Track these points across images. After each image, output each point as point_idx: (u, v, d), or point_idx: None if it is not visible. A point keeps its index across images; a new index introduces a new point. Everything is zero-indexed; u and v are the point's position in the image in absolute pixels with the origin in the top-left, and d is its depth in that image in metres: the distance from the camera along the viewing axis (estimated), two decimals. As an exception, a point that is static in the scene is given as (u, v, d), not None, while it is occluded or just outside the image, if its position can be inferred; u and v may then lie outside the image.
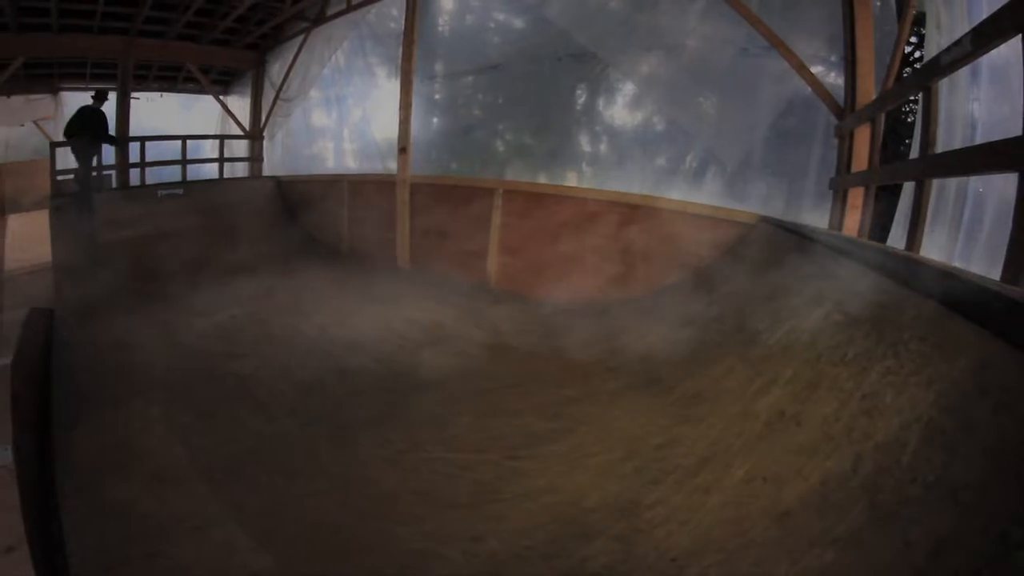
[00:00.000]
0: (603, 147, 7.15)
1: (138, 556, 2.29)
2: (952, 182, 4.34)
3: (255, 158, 11.03)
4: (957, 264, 4.48)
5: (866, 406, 1.79)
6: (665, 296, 5.30)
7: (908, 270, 2.15)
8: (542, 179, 7.29)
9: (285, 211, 9.89)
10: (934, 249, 4.49)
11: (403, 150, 7.87)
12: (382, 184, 8.23)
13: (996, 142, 2.58)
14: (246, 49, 10.75)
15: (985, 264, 4.04)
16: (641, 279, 5.98)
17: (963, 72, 4.53)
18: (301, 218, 9.69)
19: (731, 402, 2.68)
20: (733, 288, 4.18)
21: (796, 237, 3.73)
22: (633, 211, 6.16)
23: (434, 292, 6.67)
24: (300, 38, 10.02)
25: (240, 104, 11.55)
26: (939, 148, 4.60)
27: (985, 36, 2.69)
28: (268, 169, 11.03)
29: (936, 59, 3.29)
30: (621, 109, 7.02)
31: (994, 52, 4.33)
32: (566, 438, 3.00)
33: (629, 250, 6.12)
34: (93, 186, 8.24)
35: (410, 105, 7.88)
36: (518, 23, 7.61)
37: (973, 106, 4.50)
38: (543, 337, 5.01)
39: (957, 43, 2.97)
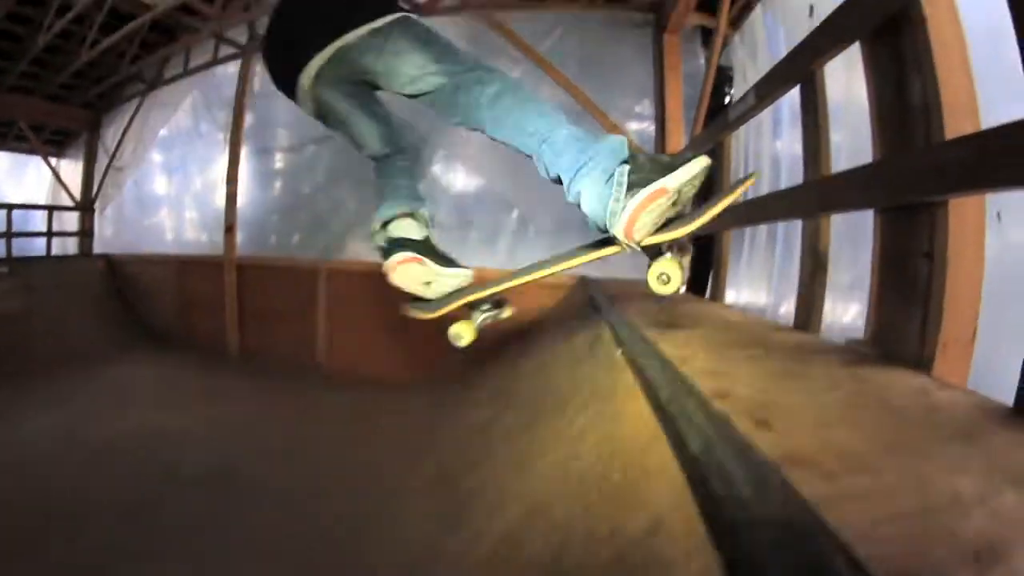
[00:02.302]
0: (438, 204, 6.87)
1: None
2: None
3: (85, 232, 9.80)
4: (771, 298, 4.60)
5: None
6: (485, 369, 5.09)
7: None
8: None
9: (115, 293, 8.84)
10: (749, 289, 4.59)
11: (229, 229, 7.19)
12: (210, 265, 7.48)
13: (781, 191, 2.56)
14: (82, 108, 9.65)
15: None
16: (467, 353, 5.70)
17: (767, 117, 4.71)
18: (132, 301, 8.71)
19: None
20: (545, 359, 3.97)
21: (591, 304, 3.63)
22: None
23: (265, 382, 6.10)
24: (136, 101, 9.16)
25: (73, 169, 10.28)
26: (747, 193, 4.74)
27: (767, 88, 2.77)
28: (99, 245, 9.80)
29: (725, 115, 3.33)
30: (448, 178, 6.89)
31: (795, 97, 4.58)
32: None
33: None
34: None
35: (236, 179, 7.30)
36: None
37: (777, 144, 4.67)
38: (376, 424, 4.68)
39: (742, 99, 3.02)
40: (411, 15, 2.10)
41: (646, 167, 1.70)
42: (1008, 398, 1.12)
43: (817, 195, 2.13)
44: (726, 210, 3.41)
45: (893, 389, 1.23)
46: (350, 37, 1.98)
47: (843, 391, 1.19)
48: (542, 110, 1.94)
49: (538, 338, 4.63)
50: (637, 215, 1.66)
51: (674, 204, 1.73)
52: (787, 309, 4.38)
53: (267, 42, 2.26)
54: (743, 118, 3.08)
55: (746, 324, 2.31)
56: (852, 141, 2.90)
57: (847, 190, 1.95)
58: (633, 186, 1.67)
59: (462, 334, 2.43)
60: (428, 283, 2.28)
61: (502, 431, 2.89)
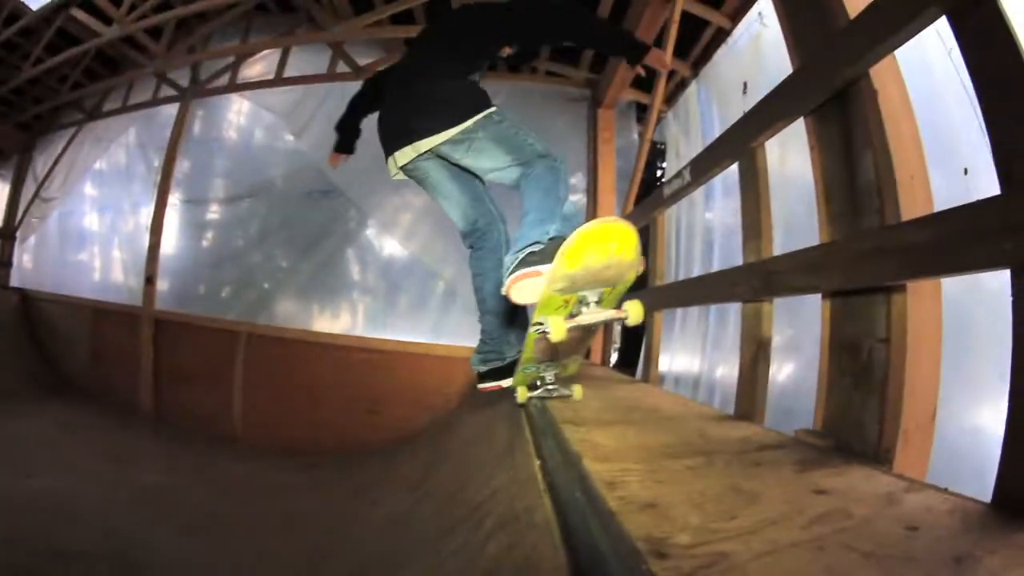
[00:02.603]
0: (368, 269, 6.71)
1: None
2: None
3: (2, 262, 9.10)
4: (704, 365, 4.48)
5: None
6: (404, 449, 4.86)
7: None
8: (314, 309, 6.65)
9: (27, 332, 8.09)
10: (683, 355, 4.46)
11: (149, 280, 6.76)
12: (127, 316, 6.96)
13: (718, 272, 2.44)
14: (16, 128, 9.13)
15: (733, 361, 4.08)
16: (388, 427, 5.50)
17: (700, 189, 4.69)
18: (45, 343, 7.97)
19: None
20: (457, 447, 3.70)
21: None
22: (383, 356, 5.72)
23: (174, 447, 5.60)
24: (72, 130, 8.68)
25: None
26: (679, 263, 4.71)
27: (704, 165, 2.66)
28: (16, 277, 9.09)
29: (660, 192, 3.25)
30: (386, 234, 6.65)
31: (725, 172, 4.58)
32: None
33: (378, 398, 5.67)
34: None
35: (161, 229, 6.89)
36: (280, 153, 7.07)
37: (709, 216, 4.65)
38: (281, 504, 4.27)
39: (678, 175, 2.93)
40: (495, 111, 2.30)
41: (547, 251, 1.93)
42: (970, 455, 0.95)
43: (760, 277, 1.96)
44: (659, 290, 3.30)
45: (860, 503, 1.04)
46: (443, 136, 2.27)
47: (804, 518, 0.95)
48: (559, 196, 2.20)
49: (464, 417, 4.34)
50: (512, 284, 1.96)
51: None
52: (722, 373, 4.26)
53: (381, 123, 2.60)
54: (678, 195, 2.96)
55: (683, 415, 2.09)
56: (784, 217, 2.82)
57: (794, 273, 1.79)
58: (524, 263, 1.96)
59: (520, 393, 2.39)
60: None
61: (420, 528, 2.60)
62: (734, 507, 1.00)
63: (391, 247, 6.62)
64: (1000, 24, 1.17)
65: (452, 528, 2.07)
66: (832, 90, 1.73)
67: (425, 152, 2.35)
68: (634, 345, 5.91)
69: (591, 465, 1.25)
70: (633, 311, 1.89)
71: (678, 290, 2.99)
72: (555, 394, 2.28)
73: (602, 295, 1.93)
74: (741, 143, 2.25)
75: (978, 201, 1.15)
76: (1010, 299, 1.10)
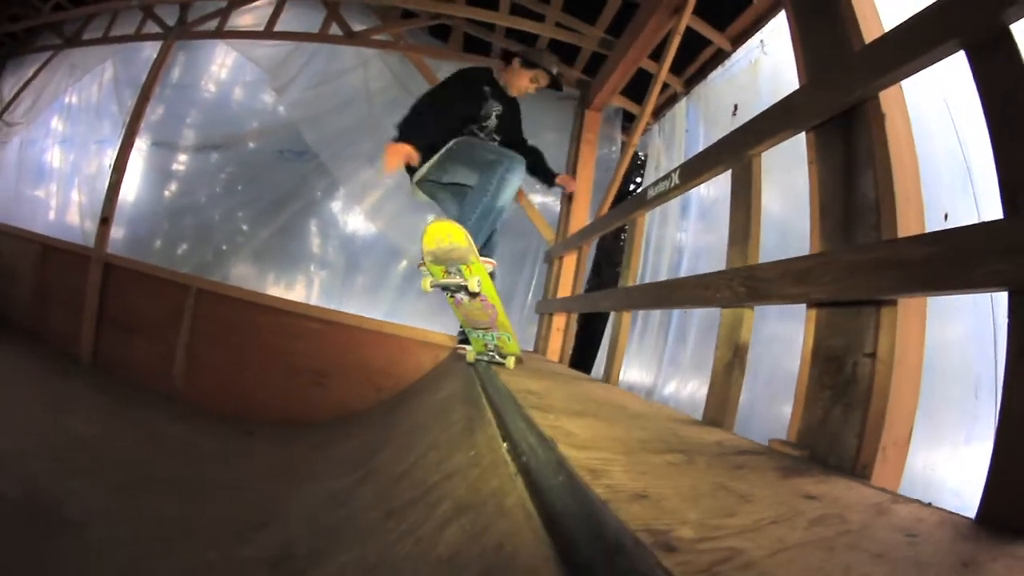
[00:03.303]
0: (329, 241, 6.58)
1: None
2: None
3: None
4: (664, 368, 4.47)
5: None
6: (349, 426, 4.70)
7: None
8: (270, 276, 6.50)
9: None
10: (644, 356, 4.50)
11: (104, 220, 6.42)
12: (77, 257, 6.56)
13: (700, 275, 2.40)
14: None
15: (691, 374, 4.07)
16: (333, 402, 5.36)
17: (675, 207, 4.69)
18: None
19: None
20: (403, 430, 3.57)
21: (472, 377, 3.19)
22: (333, 328, 5.54)
23: (112, 400, 5.28)
24: (47, 55, 8.21)
25: None
26: (645, 276, 4.72)
27: (695, 170, 2.62)
28: None
29: (644, 193, 3.21)
30: (350, 206, 6.54)
31: (702, 192, 4.59)
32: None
33: (324, 371, 5.50)
34: None
35: (124, 168, 6.55)
36: (257, 112, 6.89)
37: (681, 235, 4.66)
38: (215, 469, 4.09)
39: (665, 178, 2.89)
40: (464, 138, 3.65)
41: None
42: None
43: (743, 283, 1.92)
44: (632, 290, 3.27)
45: (852, 510, 1.01)
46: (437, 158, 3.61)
47: (804, 520, 0.89)
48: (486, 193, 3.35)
49: (414, 400, 4.26)
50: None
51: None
52: (674, 388, 4.29)
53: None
54: (663, 197, 2.91)
55: (651, 414, 2.03)
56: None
57: (782, 281, 1.75)
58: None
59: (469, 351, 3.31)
60: None
61: (361, 508, 2.51)
62: (729, 505, 0.92)
63: (355, 222, 6.53)
64: (1017, 63, 1.19)
65: (399, 510, 1.99)
66: (839, 109, 1.72)
67: (419, 181, 3.78)
68: (587, 347, 5.93)
69: (568, 451, 1.16)
70: (471, 280, 2.73)
71: (653, 291, 2.92)
72: (494, 358, 3.08)
73: (461, 270, 2.76)
74: (738, 150, 2.23)
75: (982, 223, 1.15)
76: (1006, 319, 1.12)
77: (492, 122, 3.88)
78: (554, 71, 3.95)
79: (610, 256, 9.32)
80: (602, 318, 5.73)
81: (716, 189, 4.26)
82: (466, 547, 1.26)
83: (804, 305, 1.74)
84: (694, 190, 4.54)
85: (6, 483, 3.18)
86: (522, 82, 3.93)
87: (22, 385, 5.13)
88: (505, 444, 1.58)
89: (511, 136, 4.09)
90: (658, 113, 5.47)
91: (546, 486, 1.16)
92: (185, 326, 5.89)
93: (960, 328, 2.88)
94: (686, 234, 4.79)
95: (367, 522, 2.19)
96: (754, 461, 1.36)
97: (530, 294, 5.90)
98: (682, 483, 1.04)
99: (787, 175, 3.01)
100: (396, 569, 1.57)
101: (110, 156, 7.11)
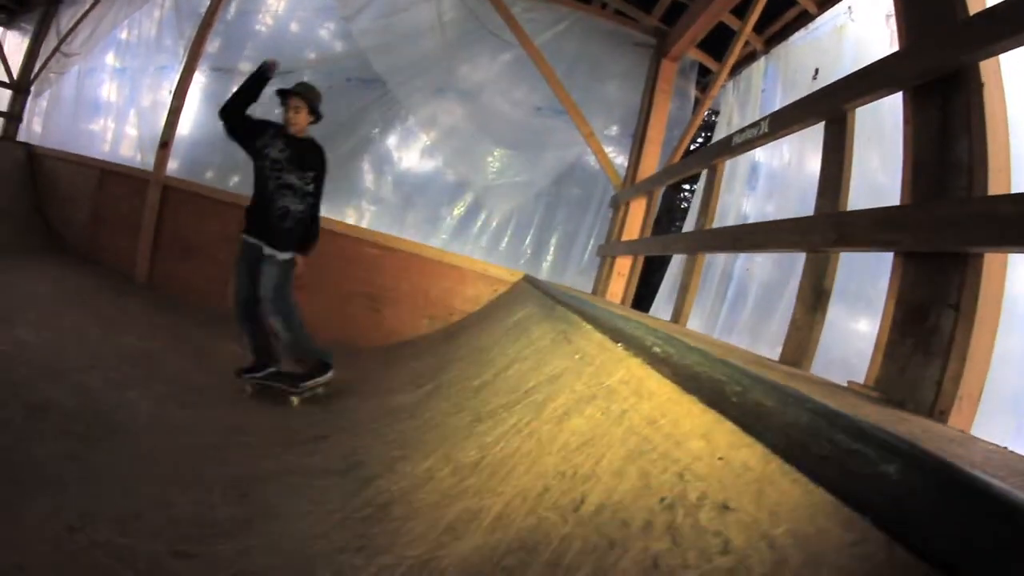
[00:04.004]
0: (384, 178, 6.68)
1: None
2: (719, 261, 4.46)
3: (13, 115, 8.70)
4: (718, 331, 4.62)
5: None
6: (404, 350, 4.86)
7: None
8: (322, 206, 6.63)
9: (30, 189, 7.84)
10: (696, 321, 4.62)
11: (164, 145, 6.57)
12: (135, 181, 6.76)
13: (782, 220, 2.52)
14: None
15: (747, 339, 4.19)
16: (385, 329, 5.57)
17: (741, 174, 4.78)
18: (45, 202, 7.78)
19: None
20: (472, 350, 3.67)
21: (551, 302, 3.29)
22: (391, 255, 5.76)
23: (165, 317, 5.55)
24: None
25: (18, 45, 9.14)
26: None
27: (787, 119, 2.70)
28: (25, 133, 8.75)
29: (729, 139, 3.28)
30: (407, 142, 6.64)
31: (772, 160, 4.67)
32: (241, 533, 2.25)
33: (379, 296, 5.69)
34: None
35: (185, 95, 6.70)
36: (323, 32, 6.99)
37: (743, 202, 4.74)
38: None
39: (753, 125, 2.96)
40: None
41: None
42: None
43: (834, 228, 2.04)
44: (710, 232, 3.37)
45: (941, 438, 1.12)
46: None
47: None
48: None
49: (474, 329, 4.41)
50: None
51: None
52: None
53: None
54: (750, 144, 3.01)
55: (735, 352, 2.17)
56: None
57: (872, 228, 1.87)
58: None
59: None
60: None
61: (432, 416, 2.63)
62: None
63: (410, 159, 6.63)
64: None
65: (491, 414, 2.06)
66: (938, 73, 1.82)
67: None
68: (640, 302, 6.09)
69: (688, 340, 1.36)
70: None
71: (731, 233, 3.02)
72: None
73: None
74: (835, 103, 2.31)
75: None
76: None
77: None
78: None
79: (669, 211, 9.42)
80: (658, 273, 5.86)
81: (785, 159, 4.36)
82: (607, 429, 1.37)
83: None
84: (763, 161, 4.62)
85: (62, 393, 3.32)
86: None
87: (80, 305, 5.29)
88: (620, 344, 1.73)
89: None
90: (734, 71, 5.48)
91: (685, 362, 1.33)
92: (241, 247, 6.08)
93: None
94: (749, 201, 4.88)
95: (449, 428, 2.26)
96: (842, 394, 1.50)
97: (591, 240, 5.96)
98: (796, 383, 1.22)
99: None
100: (505, 463, 1.65)
101: (167, 85, 7.26)
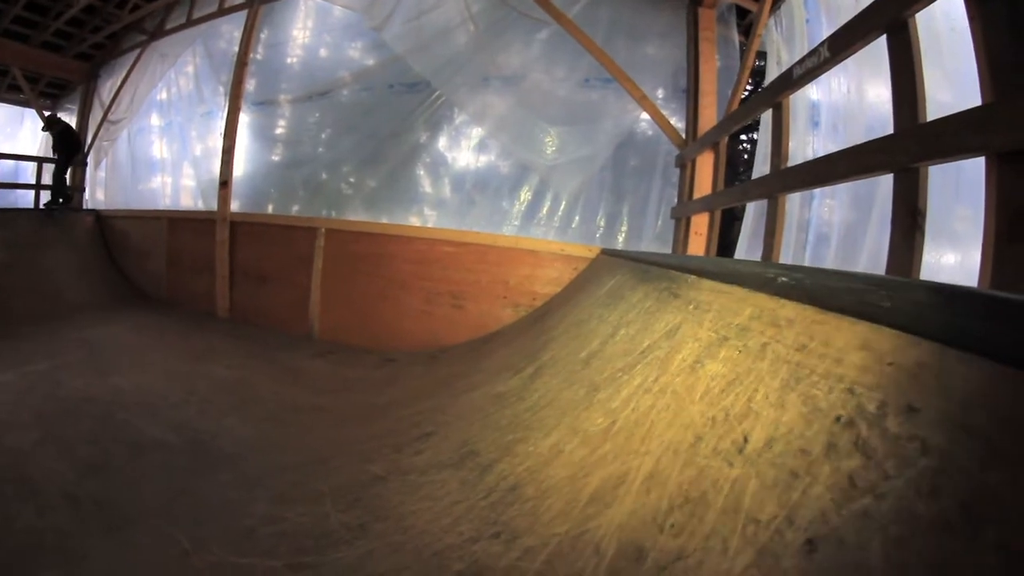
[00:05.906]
0: (441, 180, 6.85)
1: None
2: (794, 211, 4.45)
3: (75, 188, 9.60)
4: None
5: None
6: (493, 341, 4.94)
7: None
8: (383, 219, 6.84)
9: (103, 250, 8.65)
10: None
11: (224, 184, 7.00)
12: (202, 223, 7.27)
13: (862, 144, 2.52)
14: (78, 59, 9.40)
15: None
16: (471, 323, 5.77)
17: (803, 118, 4.76)
18: (119, 259, 8.52)
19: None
20: (568, 325, 3.66)
21: (642, 266, 3.30)
22: (466, 249, 5.93)
23: (250, 346, 5.86)
24: (135, 53, 8.93)
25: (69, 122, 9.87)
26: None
27: (846, 39, 2.68)
28: (89, 201, 9.68)
29: (788, 72, 3.27)
30: (458, 141, 6.80)
31: (833, 99, 4.63)
32: (359, 539, 2.22)
33: (460, 292, 5.83)
34: None
35: (235, 134, 7.11)
36: (354, 49, 7.25)
37: (808, 141, 4.73)
38: (361, 395, 4.40)
39: (812, 53, 2.95)
40: None
41: None
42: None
43: (917, 141, 2.04)
44: (787, 172, 3.37)
45: None
46: None
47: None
48: None
49: (562, 307, 4.43)
50: None
51: None
52: None
53: None
54: (813, 73, 3.00)
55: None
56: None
57: (957, 134, 1.84)
58: None
59: None
60: None
61: (541, 395, 2.59)
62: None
63: (465, 158, 6.79)
64: None
65: (606, 382, 2.06)
66: None
67: None
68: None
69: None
70: None
71: (812, 168, 2.99)
72: None
73: None
74: (891, 13, 2.28)
75: None
76: None
77: None
78: None
79: (730, 162, 9.37)
80: (729, 231, 5.87)
81: (844, 89, 4.34)
82: (750, 366, 1.38)
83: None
84: (823, 100, 4.57)
85: (162, 430, 3.56)
86: None
87: (166, 346, 5.71)
88: (736, 285, 1.75)
89: None
90: (773, 7, 5.44)
91: (819, 283, 1.37)
92: (316, 267, 6.44)
93: None
94: (817, 140, 4.85)
95: (566, 403, 2.25)
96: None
97: (661, 205, 6.00)
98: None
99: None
100: (641, 423, 1.63)
101: (214, 130, 7.85)
